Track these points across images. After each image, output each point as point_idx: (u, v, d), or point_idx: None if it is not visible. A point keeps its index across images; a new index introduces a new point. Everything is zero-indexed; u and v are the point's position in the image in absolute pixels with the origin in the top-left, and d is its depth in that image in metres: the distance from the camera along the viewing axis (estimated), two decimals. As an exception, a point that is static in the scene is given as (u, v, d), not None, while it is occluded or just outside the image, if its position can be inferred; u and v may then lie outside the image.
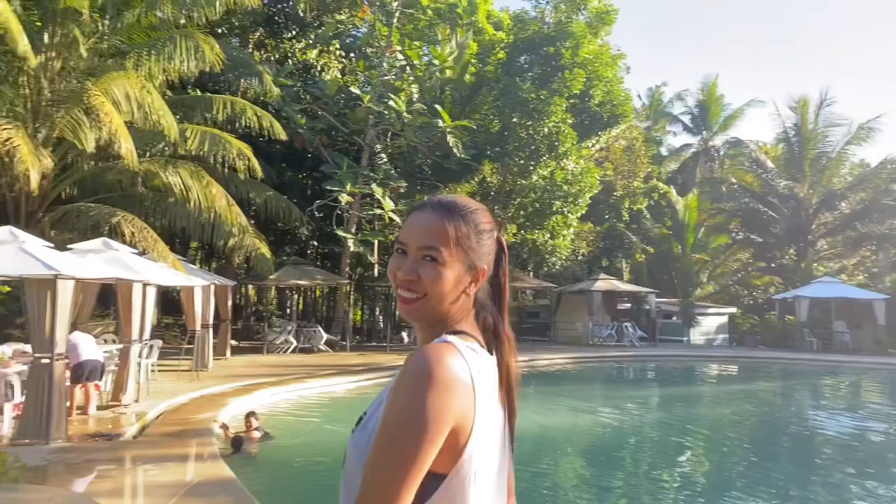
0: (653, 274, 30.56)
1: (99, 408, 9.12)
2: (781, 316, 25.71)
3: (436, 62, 20.09)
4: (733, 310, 28.74)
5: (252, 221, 17.00)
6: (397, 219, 19.58)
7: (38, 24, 13.65)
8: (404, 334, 23.00)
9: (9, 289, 12.15)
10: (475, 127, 20.12)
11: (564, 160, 20.27)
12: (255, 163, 15.31)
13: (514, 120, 19.72)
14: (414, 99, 20.83)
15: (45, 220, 13.56)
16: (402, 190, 20.59)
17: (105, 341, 11.91)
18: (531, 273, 26.62)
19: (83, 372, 8.65)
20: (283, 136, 16.52)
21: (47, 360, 7.26)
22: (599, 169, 24.19)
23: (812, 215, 27.86)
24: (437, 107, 19.25)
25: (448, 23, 20.73)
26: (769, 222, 29.08)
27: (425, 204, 1.22)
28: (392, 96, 18.96)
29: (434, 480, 1.05)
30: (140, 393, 9.95)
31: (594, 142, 22.86)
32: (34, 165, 11.73)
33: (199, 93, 17.37)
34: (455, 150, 19.08)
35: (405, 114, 19.10)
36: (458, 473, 1.06)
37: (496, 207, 21.02)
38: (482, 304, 1.23)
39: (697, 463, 9.15)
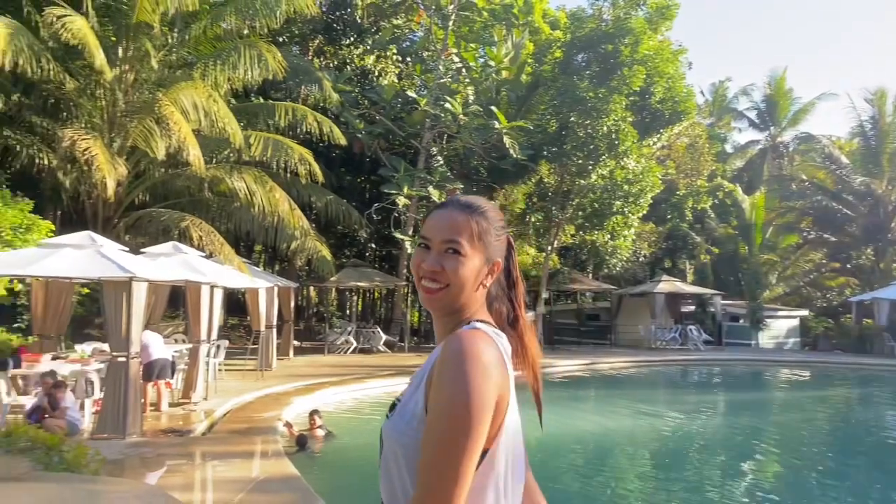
0: (718, 275, 29.52)
1: (170, 405, 9.48)
2: (858, 319, 24.35)
3: (492, 63, 20.03)
4: (805, 312, 27.44)
5: (313, 225, 17.37)
6: (454, 220, 19.59)
7: (113, 38, 14.35)
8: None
9: (88, 290, 12.79)
10: (532, 127, 19.94)
11: (624, 159, 19.82)
12: (316, 167, 15.64)
13: (572, 119, 19.42)
14: (470, 101, 20.83)
15: (121, 225, 14.24)
16: (458, 192, 20.59)
17: (175, 341, 12.39)
18: (590, 275, 26.18)
19: (153, 370, 9.02)
20: (342, 140, 16.81)
21: (123, 359, 7.59)
22: (661, 167, 23.54)
23: (891, 213, 26.31)
24: (493, 108, 19.18)
25: (504, 23, 20.64)
26: (844, 221, 27.63)
27: (447, 203, 1.32)
28: (448, 99, 19.01)
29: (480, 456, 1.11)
30: (208, 391, 10.29)
31: (655, 140, 22.26)
32: (110, 173, 12.33)
33: (261, 100, 17.88)
34: (511, 151, 18.96)
35: (461, 116, 19.12)
36: (498, 446, 1.14)
37: (554, 208, 20.75)
38: (495, 296, 1.34)
39: (766, 473, 8.75)
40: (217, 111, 13.29)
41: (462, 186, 19.82)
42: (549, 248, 21.64)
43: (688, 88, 21.79)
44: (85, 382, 8.40)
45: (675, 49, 21.61)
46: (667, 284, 24.42)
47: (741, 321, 26.22)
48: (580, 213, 20.98)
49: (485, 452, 1.12)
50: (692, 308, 26.93)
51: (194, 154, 12.72)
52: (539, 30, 21.48)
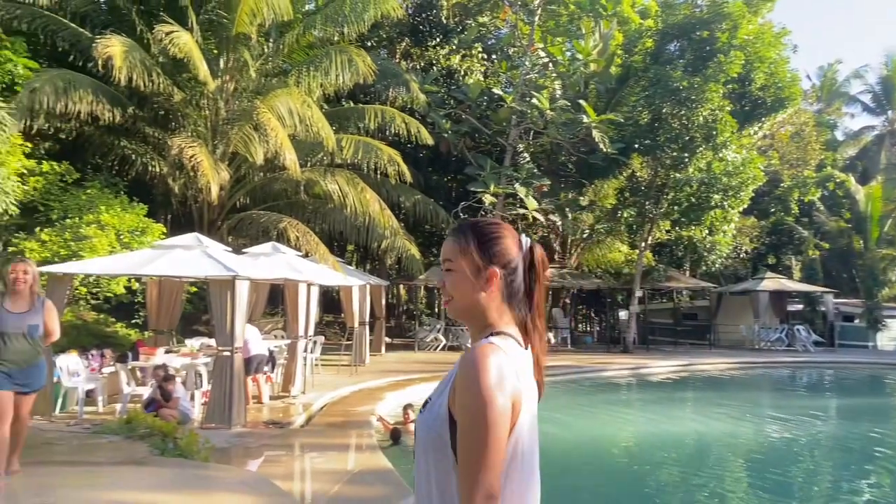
0: (829, 272, 27.47)
1: (271, 398, 9.91)
2: None
3: (579, 57, 19.61)
4: (931, 312, 25.03)
5: (402, 224, 17.67)
6: (541, 218, 19.35)
7: (215, 51, 15.20)
8: (550, 335, 22.67)
9: (195, 289, 13.60)
10: (622, 120, 19.35)
11: (723, 150, 18.82)
12: (404, 167, 15.90)
13: (665, 110, 18.67)
14: (557, 96, 20.50)
15: (224, 227, 15.06)
16: (545, 189, 20.33)
17: (275, 337, 12.95)
18: (687, 272, 25.09)
19: (252, 365, 9.45)
20: (429, 140, 17.00)
21: (228, 353, 8.01)
22: (763, 158, 22.20)
23: None
24: (582, 102, 18.76)
25: (591, 15, 20.15)
26: (976, 211, 25.00)
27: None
28: (535, 94, 18.78)
29: None
30: (306, 385, 10.67)
31: (757, 129, 21.00)
32: (214, 178, 13.07)
33: (352, 104, 18.39)
34: (601, 145, 18.48)
35: (548, 111, 18.84)
36: (514, 446, 1.34)
37: (647, 203, 20.04)
38: (519, 303, 1.48)
39: (884, 487, 8.02)
40: (311, 116, 13.79)
41: (549, 183, 19.55)
42: (643, 244, 20.92)
43: (792, 73, 20.41)
44: (194, 375, 8.94)
45: (777, 31, 20.29)
46: (771, 282, 23.00)
47: (856, 321, 24.29)
48: (675, 207, 20.14)
49: None
50: (800, 307, 25.22)
51: (290, 158, 13.27)
52: (628, 20, 20.80)
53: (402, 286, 25.85)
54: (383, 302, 17.80)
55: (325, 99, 17.16)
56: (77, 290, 12.17)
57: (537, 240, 23.91)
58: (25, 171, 12.15)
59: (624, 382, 16.02)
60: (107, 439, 6.58)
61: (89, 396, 8.53)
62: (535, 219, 19.23)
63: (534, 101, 18.69)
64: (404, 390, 11.28)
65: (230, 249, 10.68)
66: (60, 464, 5.66)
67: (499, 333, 1.42)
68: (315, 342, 12.19)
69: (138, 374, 9.11)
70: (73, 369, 8.46)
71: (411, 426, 8.60)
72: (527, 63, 19.63)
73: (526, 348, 1.46)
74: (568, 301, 25.03)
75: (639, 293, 20.78)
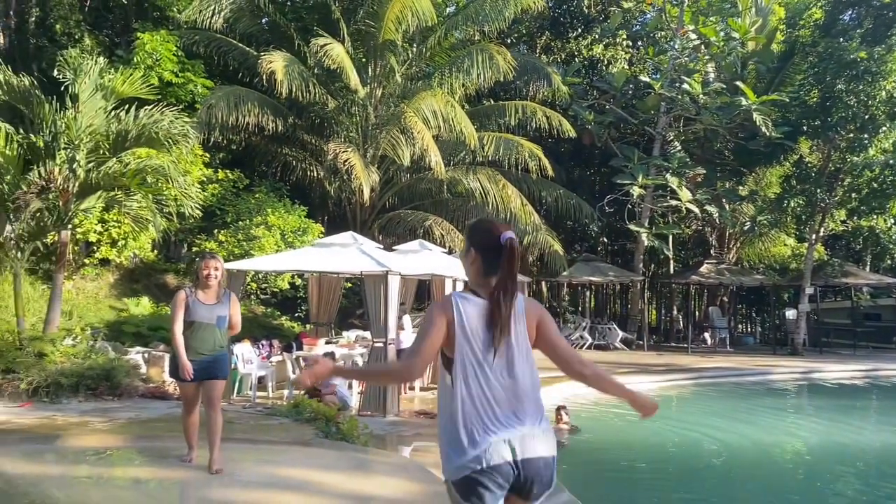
0: None
1: (421, 389, 10.23)
2: None
3: (735, 35, 18.18)
4: None
5: (544, 220, 17.48)
6: (696, 209, 18.21)
7: (364, 59, 16.02)
8: (707, 335, 21.28)
9: (350, 284, 14.42)
10: (788, 100, 17.67)
11: (911, 127, 16.57)
12: (546, 162, 15.74)
13: (839, 87, 16.74)
14: (710, 79, 19.18)
15: (374, 227, 15.84)
16: (699, 179, 19.11)
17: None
18: (867, 267, 22.38)
19: (403, 356, 9.79)
20: (571, 133, 16.66)
21: (381, 344, 8.38)
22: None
23: None
24: (740, 84, 17.38)
25: (748, -10, 18.62)
26: None
27: None
28: (686, 79, 17.71)
29: (451, 361, 2.17)
30: (454, 378, 10.87)
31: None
32: (366, 180, 13.79)
33: (492, 102, 18.51)
34: (763, 129, 16.99)
35: (701, 96, 17.68)
36: (456, 355, 2.15)
37: (818, 191, 18.11)
38: (493, 274, 2.22)
39: None
40: (454, 116, 14.08)
41: (704, 172, 18.33)
42: (813, 236, 18.96)
43: None
44: (352, 364, 9.45)
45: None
46: (976, 277, 19.86)
47: None
48: (853, 195, 18.04)
49: (452, 359, 2.17)
50: None
51: (435, 159, 13.67)
52: (791, -9, 18.99)
53: (544, 283, 25.58)
54: (527, 299, 17.69)
55: (466, 99, 17.44)
56: (248, 285, 13.41)
57: (691, 233, 22.65)
58: (205, 179, 13.60)
59: (793, 387, 14.61)
60: (277, 421, 7.16)
61: (261, 382, 9.32)
62: (688, 211, 18.15)
63: (685, 86, 17.63)
64: (551, 387, 11.08)
65: (381, 247, 11.18)
66: (241, 441, 6.24)
67: (467, 289, 2.28)
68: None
69: (302, 362, 9.82)
70: (246, 357, 9.29)
71: (563, 426, 8.47)
72: (676, 47, 18.57)
73: (487, 300, 2.19)
74: (726, 299, 23.34)
75: (809, 290, 18.86)
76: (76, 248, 11.93)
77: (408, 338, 10.06)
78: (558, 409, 8.77)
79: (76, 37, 15.38)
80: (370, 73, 15.76)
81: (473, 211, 16.60)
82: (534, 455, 2.09)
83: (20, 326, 7.84)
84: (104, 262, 13.01)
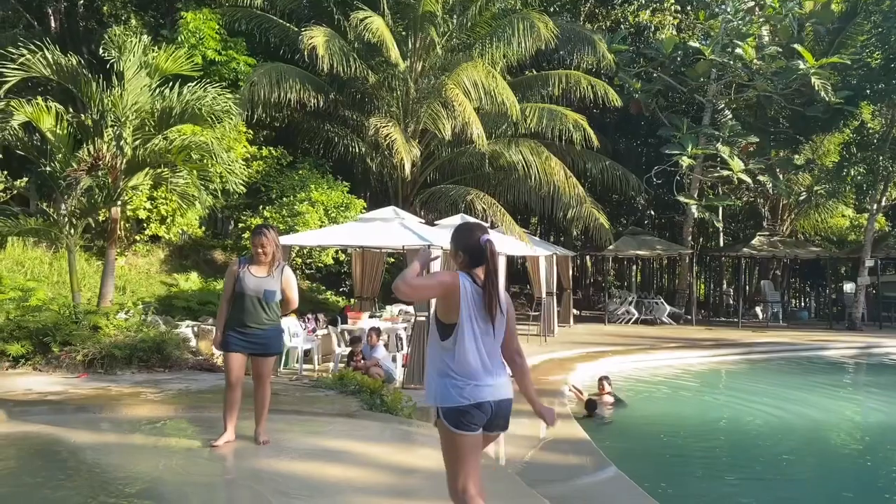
0: None
1: (464, 363, 10.21)
2: None
3: (792, -6, 17.28)
4: None
5: (588, 192, 17.11)
6: (748, 180, 17.55)
7: (404, 33, 15.81)
8: (758, 310, 20.64)
9: (393, 259, 14.45)
10: (849, 63, 16.73)
11: None
12: (591, 132, 15.34)
13: (906, 46, 15.80)
14: (764, 43, 18.31)
15: (416, 202, 15.78)
16: (752, 148, 18.39)
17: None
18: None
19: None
20: (617, 102, 16.17)
21: (423, 318, 8.36)
22: None
23: None
24: (797, 46, 16.54)
25: (807, -54, 17.59)
26: None
27: None
28: (738, 43, 16.94)
29: (445, 327, 2.82)
30: (497, 353, 10.83)
31: None
32: (407, 155, 13.70)
33: (535, 73, 18.11)
34: (822, 94, 16.15)
35: (755, 61, 16.91)
36: (461, 320, 2.76)
37: (881, 158, 17.19)
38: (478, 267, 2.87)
39: None
40: (495, 87, 13.82)
41: (757, 141, 17.61)
42: (874, 207, 18.07)
43: None
44: (395, 339, 9.50)
45: None
46: None
47: None
48: (918, 161, 17.06)
49: (447, 326, 2.82)
50: None
51: (476, 131, 13.46)
52: (854, -55, 17.85)
53: (588, 257, 25.20)
54: (570, 273, 17.47)
55: (508, 70, 17.10)
56: (294, 261, 13.59)
57: (742, 205, 21.85)
58: (249, 156, 13.76)
59: (851, 363, 14.07)
60: (323, 393, 7.25)
61: (307, 355, 9.45)
62: (740, 181, 17.51)
63: (737, 51, 16.89)
64: (596, 362, 10.98)
65: (423, 221, 11.13)
66: (288, 412, 6.33)
67: (465, 270, 2.86)
68: (505, 311, 12.28)
69: (346, 336, 9.92)
70: (293, 331, 9.42)
71: (607, 398, 8.34)
72: (728, 10, 17.75)
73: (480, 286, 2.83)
74: (779, 273, 22.56)
75: (869, 263, 18.03)
76: (127, 225, 12.28)
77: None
78: (600, 379, 8.65)
79: (123, 18, 15.65)
80: (410, 47, 15.57)
81: (516, 184, 16.37)
82: (504, 397, 2.88)
83: (75, 300, 8.12)
84: (155, 238, 13.36)
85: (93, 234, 12.32)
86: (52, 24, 16.33)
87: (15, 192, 10.38)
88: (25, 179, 10.37)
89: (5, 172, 10.69)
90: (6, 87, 7.25)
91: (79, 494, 3.92)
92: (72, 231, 8.05)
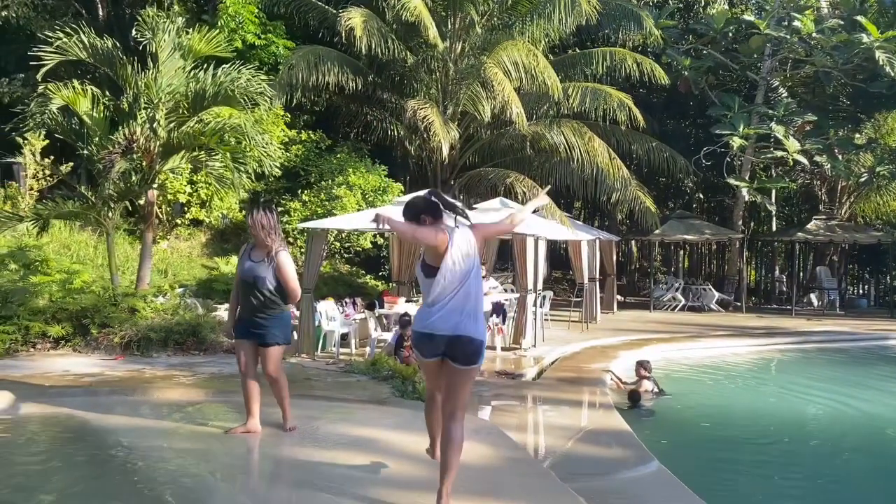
0: None
1: (502, 349, 10.00)
2: None
3: (855, -37, 16.25)
4: None
5: (634, 174, 16.55)
6: (804, 161, 16.69)
7: (443, 13, 15.50)
8: (813, 296, 19.72)
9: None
10: (917, 34, 15.65)
11: None
12: (637, 112, 14.79)
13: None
14: (824, 15, 17.31)
15: (455, 185, 15.54)
16: (808, 127, 17.46)
17: (505, 290, 13.07)
18: None
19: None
20: (664, 79, 15.54)
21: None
22: None
23: None
24: (860, 18, 15.55)
25: None
26: None
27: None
28: (796, 16, 16.04)
29: (436, 269, 3.39)
30: (536, 339, 10.58)
31: None
32: (445, 137, 13.46)
33: (577, 51, 17.57)
34: (888, 69, 15.17)
35: (814, 34, 15.98)
36: (443, 263, 3.35)
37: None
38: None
39: None
40: (537, 66, 13.44)
41: (815, 119, 16.70)
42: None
43: None
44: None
45: None
46: None
47: None
48: None
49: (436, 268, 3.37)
50: None
51: (516, 111, 13.12)
52: None
53: (633, 242, 24.54)
54: (614, 258, 16.99)
55: (550, 50, 16.62)
56: (332, 244, 13.56)
57: (797, 187, 20.90)
58: (288, 140, 13.75)
59: (916, 355, 13.27)
60: (355, 378, 7.15)
61: (344, 339, 9.39)
62: (795, 162, 16.67)
63: (795, 24, 15.99)
64: (640, 350, 10.60)
65: (461, 204, 10.90)
66: (319, 398, 6.25)
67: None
68: (544, 297, 12.01)
69: (384, 320, 9.82)
70: (330, 314, 9.36)
71: (646, 383, 8.00)
72: (785, -19, 16.83)
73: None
74: (836, 259, 21.51)
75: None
76: (169, 209, 12.43)
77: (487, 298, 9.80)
78: (638, 363, 8.31)
79: (166, 4, 15.78)
80: (449, 27, 15.25)
81: (557, 167, 15.94)
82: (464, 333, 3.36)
83: (114, 283, 8.21)
84: (197, 222, 13.51)
85: (136, 217, 12.53)
86: (100, 13, 16.61)
87: (60, 177, 10.60)
88: (70, 164, 10.57)
89: (51, 158, 10.93)
90: (44, 69, 7.30)
91: (103, 478, 3.88)
92: (109, 214, 8.12)
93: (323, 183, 13.55)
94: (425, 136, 14.28)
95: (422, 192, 3.63)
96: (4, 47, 15.27)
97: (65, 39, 7.51)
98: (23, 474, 3.93)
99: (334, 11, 14.65)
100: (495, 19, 16.11)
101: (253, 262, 4.51)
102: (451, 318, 3.31)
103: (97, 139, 7.76)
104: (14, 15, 14.29)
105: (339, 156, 14.51)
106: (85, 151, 8.03)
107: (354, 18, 13.08)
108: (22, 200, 11.09)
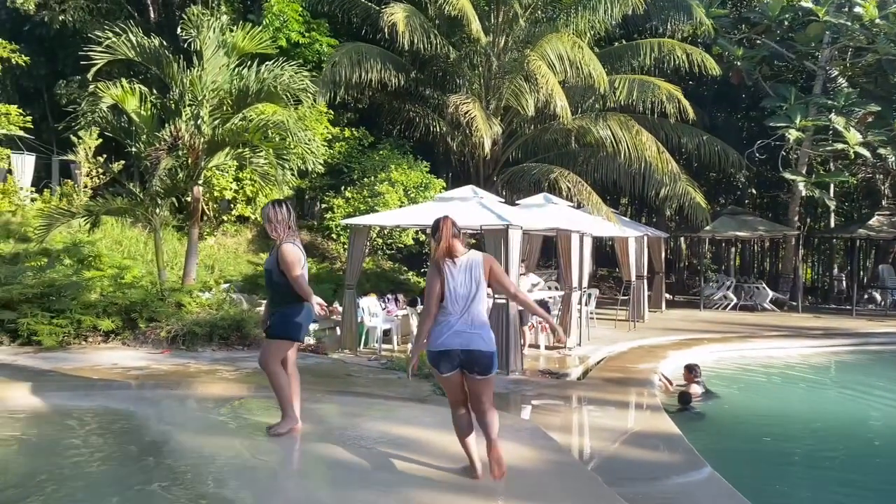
0: None
1: (546, 348, 9.80)
2: None
3: (923, -57, 15.34)
4: None
5: (683, 169, 16.03)
6: (866, 154, 15.88)
7: (486, 7, 15.32)
8: (876, 294, 18.79)
9: (473, 240, 14.15)
10: None
11: None
12: (687, 104, 14.32)
13: None
14: (888, 0, 16.41)
15: (498, 181, 15.36)
16: (870, 118, 16.59)
17: (549, 288, 12.84)
18: None
19: (527, 314, 9.34)
20: (715, 70, 14.99)
21: (503, 301, 8.01)
22: None
23: None
24: (928, 1, 14.69)
25: None
26: None
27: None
28: (858, 2, 15.25)
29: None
30: (581, 338, 10.34)
31: None
32: (487, 133, 13.30)
33: (624, 43, 17.14)
34: (959, 54, 14.30)
35: (877, 21, 15.17)
36: (445, 285, 3.84)
37: None
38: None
39: None
40: (582, 58, 13.14)
41: (878, 110, 15.87)
42: None
43: None
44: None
45: None
46: None
47: None
48: None
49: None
50: None
51: (561, 105, 12.85)
52: None
53: (682, 238, 23.86)
54: (662, 255, 16.52)
55: (596, 42, 16.26)
56: (374, 241, 13.58)
57: (858, 182, 19.95)
58: (331, 137, 13.81)
59: None
60: (396, 375, 7.08)
61: (386, 335, 9.35)
62: (857, 155, 15.87)
63: (856, 10, 15.22)
64: (690, 350, 10.24)
65: (503, 201, 10.72)
66: (360, 395, 6.21)
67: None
68: (590, 295, 11.74)
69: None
70: (372, 311, 9.34)
71: (694, 387, 7.70)
72: (845, -36, 16.02)
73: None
74: (901, 256, 20.45)
75: None
76: (216, 205, 12.64)
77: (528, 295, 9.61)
78: (687, 367, 8.00)
79: (213, 4, 16.08)
80: (492, 21, 15.07)
81: (603, 161, 15.58)
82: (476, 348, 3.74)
83: (162, 278, 8.37)
84: (243, 219, 13.71)
85: (184, 214, 12.79)
86: (151, 15, 17.06)
87: (112, 175, 10.88)
88: (122, 162, 10.84)
89: (104, 156, 11.22)
90: (94, 69, 7.47)
91: (141, 472, 3.90)
92: (156, 210, 8.28)
93: (365, 179, 13.57)
94: (467, 131, 14.15)
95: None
96: (62, 51, 15.84)
97: (113, 39, 7.68)
98: (69, 466, 3.99)
99: (377, 8, 14.65)
100: (539, 12, 15.85)
101: (271, 256, 4.64)
102: (461, 335, 3.74)
103: (145, 136, 7.91)
104: (71, 19, 14.79)
105: (381, 152, 14.52)
106: (133, 149, 8.20)
107: (397, 14, 13.05)
108: (77, 198, 11.45)
